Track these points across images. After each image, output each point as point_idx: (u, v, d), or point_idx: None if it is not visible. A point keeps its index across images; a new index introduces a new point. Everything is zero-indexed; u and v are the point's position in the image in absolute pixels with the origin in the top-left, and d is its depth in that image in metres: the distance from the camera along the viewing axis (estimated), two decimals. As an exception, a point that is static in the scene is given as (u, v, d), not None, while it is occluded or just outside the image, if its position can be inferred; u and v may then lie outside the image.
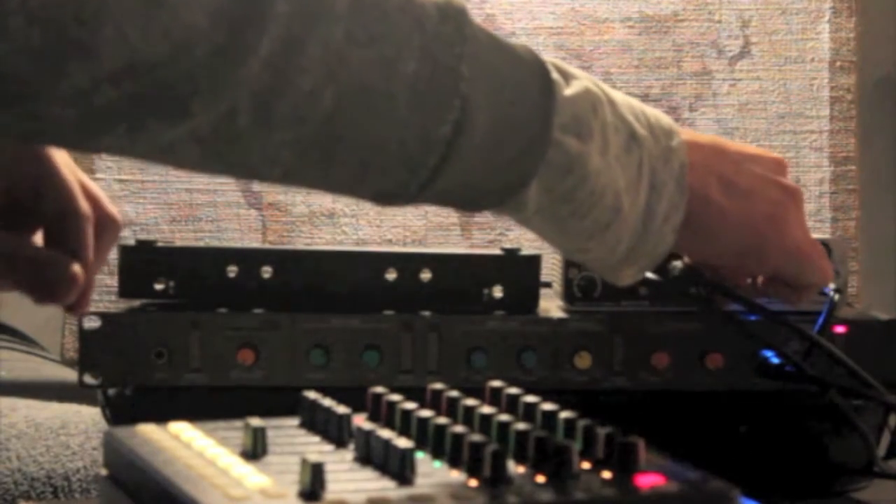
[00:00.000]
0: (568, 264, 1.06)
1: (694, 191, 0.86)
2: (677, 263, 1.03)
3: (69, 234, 0.87)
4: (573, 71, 0.82)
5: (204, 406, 0.99)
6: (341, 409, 0.75)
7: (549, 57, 0.81)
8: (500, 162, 0.77)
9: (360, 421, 0.76)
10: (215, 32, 0.66)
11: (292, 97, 0.69)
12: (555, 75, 0.79)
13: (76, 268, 0.86)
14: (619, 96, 0.84)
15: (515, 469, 0.67)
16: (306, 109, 0.70)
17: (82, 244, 0.87)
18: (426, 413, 0.73)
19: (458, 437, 0.68)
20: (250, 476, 0.66)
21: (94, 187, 0.90)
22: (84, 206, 0.88)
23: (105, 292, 1.43)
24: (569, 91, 0.79)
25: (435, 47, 0.72)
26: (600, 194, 0.80)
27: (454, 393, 0.77)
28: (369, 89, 0.71)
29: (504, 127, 0.76)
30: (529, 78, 0.78)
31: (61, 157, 0.88)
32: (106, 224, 0.91)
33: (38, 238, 0.90)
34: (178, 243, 1.54)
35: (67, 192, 0.88)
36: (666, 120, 0.86)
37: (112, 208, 0.91)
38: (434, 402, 0.78)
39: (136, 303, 1.06)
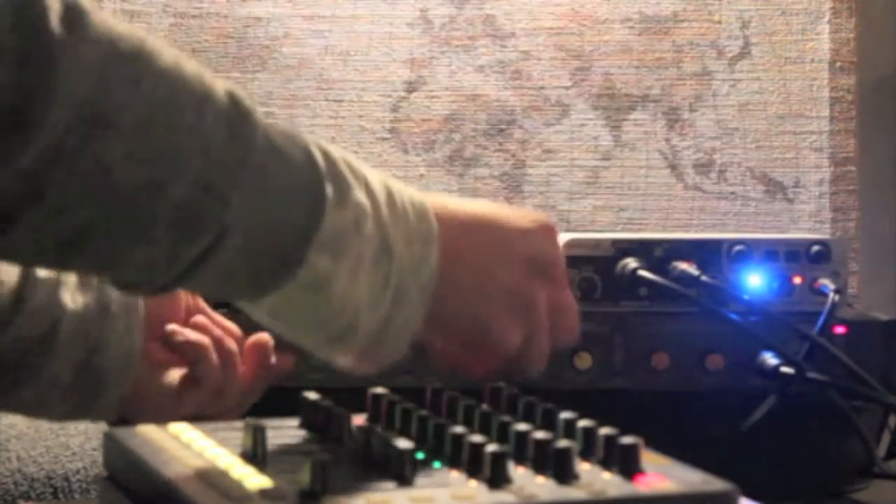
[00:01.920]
0: (567, 264, 1.05)
1: (442, 280, 0.81)
2: (677, 264, 1.03)
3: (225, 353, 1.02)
4: (356, 171, 0.78)
5: (204, 406, 0.99)
6: (341, 409, 0.75)
7: (338, 150, 0.77)
8: (245, 278, 0.75)
9: (360, 421, 0.76)
10: None
11: (42, 209, 0.66)
12: (328, 190, 0.75)
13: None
14: (397, 192, 0.80)
15: (515, 469, 0.67)
16: (51, 224, 0.67)
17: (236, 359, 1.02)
18: (426, 413, 0.73)
19: (458, 437, 0.68)
20: (250, 476, 0.66)
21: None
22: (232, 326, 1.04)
23: (105, 293, 1.43)
24: (338, 208, 0.76)
25: (213, 175, 0.70)
26: (340, 312, 0.77)
27: (454, 393, 0.77)
28: (132, 208, 0.69)
29: (257, 249, 0.73)
30: (301, 194, 0.74)
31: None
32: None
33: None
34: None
35: (209, 315, 1.04)
36: (428, 225, 0.81)
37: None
38: (434, 402, 0.78)
39: (136, 303, 1.05)
